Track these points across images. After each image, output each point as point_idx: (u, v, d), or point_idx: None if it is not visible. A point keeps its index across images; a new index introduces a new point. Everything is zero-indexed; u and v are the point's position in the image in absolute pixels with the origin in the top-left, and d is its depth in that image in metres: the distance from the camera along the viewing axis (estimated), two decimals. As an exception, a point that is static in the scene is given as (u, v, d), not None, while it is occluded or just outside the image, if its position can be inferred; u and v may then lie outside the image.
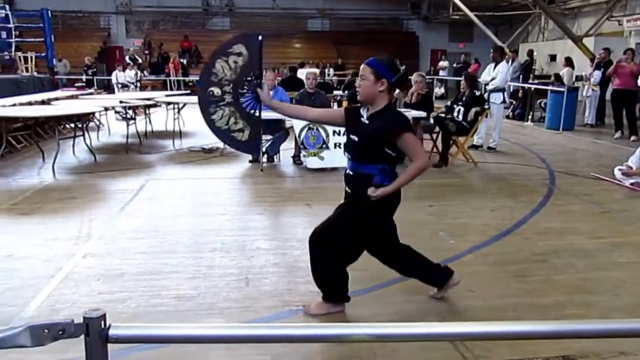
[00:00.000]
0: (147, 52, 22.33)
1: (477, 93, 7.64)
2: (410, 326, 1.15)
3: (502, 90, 8.84)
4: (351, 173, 2.90)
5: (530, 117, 12.61)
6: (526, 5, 20.50)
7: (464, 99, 7.46)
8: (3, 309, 3.00)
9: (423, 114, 7.27)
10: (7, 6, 11.98)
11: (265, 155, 7.27)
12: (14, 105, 7.97)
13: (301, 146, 6.89)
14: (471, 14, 19.10)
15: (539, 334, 1.24)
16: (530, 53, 16.21)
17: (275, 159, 7.49)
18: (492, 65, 8.97)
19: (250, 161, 7.29)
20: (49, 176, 6.33)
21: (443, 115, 7.47)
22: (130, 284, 3.37)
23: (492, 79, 8.76)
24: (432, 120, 7.43)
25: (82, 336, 1.02)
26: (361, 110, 2.85)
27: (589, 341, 2.57)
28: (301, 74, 13.46)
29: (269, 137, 7.25)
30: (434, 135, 7.73)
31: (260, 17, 25.53)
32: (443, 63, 21.50)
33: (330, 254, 2.92)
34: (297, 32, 26.21)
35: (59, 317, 2.94)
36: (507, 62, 9.43)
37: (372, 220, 2.89)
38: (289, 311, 3.06)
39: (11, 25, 10.86)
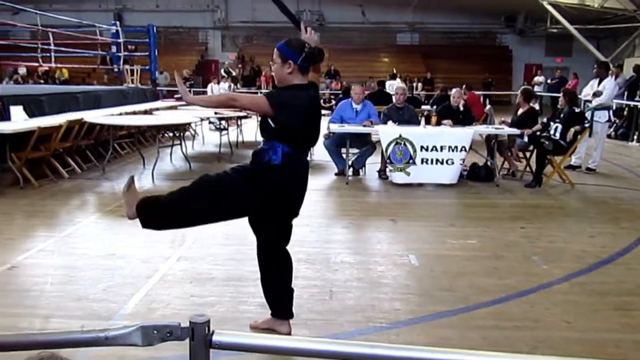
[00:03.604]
0: (240, 65, 23.27)
1: (577, 110, 7.25)
2: (509, 357, 1.09)
3: (608, 108, 8.30)
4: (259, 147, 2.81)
5: (635, 137, 11.75)
6: (634, 17, 19.20)
7: (561, 115, 7.10)
8: (106, 304, 3.22)
9: (517, 131, 7.01)
10: (117, 22, 12.96)
11: (352, 169, 7.30)
12: (120, 114, 8.59)
13: (387, 161, 6.85)
14: (571, 27, 18.20)
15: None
16: (637, 68, 15.09)
17: (361, 173, 7.51)
18: (596, 81, 8.46)
19: (336, 174, 7.35)
20: (148, 181, 6.74)
21: (538, 132, 7.14)
22: (219, 289, 3.50)
23: (594, 94, 8.26)
24: (526, 138, 7.12)
25: (187, 340, 1.07)
26: None
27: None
28: (390, 85, 13.45)
29: (356, 150, 7.29)
30: (527, 154, 7.41)
31: (349, 31, 25.82)
32: (538, 78, 20.58)
33: (197, 189, 2.77)
34: (386, 46, 26.24)
35: (154, 316, 3.12)
36: (611, 77, 8.86)
37: (252, 190, 2.70)
38: (372, 327, 3.04)
39: (121, 41, 11.73)
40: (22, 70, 17.21)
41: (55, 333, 1.23)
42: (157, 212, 2.80)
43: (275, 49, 2.74)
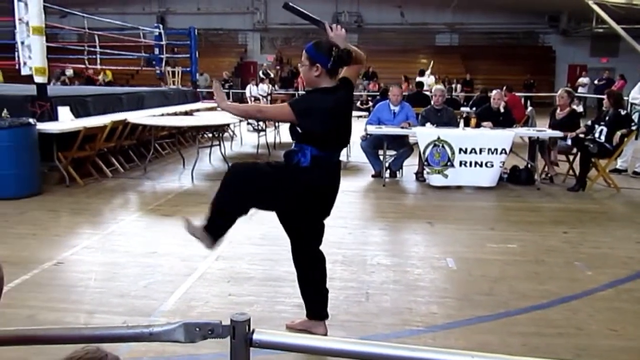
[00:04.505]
0: (278, 67, 23.46)
1: (623, 112, 7.00)
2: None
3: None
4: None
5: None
6: (685, 16, 18.42)
7: (606, 118, 6.88)
8: (147, 301, 3.31)
9: (560, 133, 6.83)
10: (160, 25, 13.26)
11: (388, 171, 7.26)
12: (162, 115, 8.79)
13: (425, 163, 6.78)
14: (617, 27, 17.56)
15: None
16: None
17: (398, 175, 7.45)
18: (644, 82, 8.17)
19: (372, 176, 7.33)
20: (187, 181, 6.87)
21: (582, 135, 6.94)
22: (257, 289, 3.54)
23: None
24: (569, 141, 6.93)
25: (228, 338, 1.09)
26: None
27: None
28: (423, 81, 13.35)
29: (393, 152, 7.24)
30: (571, 157, 7.21)
31: (387, 32, 25.68)
32: (583, 79, 20.01)
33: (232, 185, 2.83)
34: (425, 47, 25.96)
35: (193, 314, 3.17)
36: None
37: (281, 191, 2.76)
38: (409, 330, 3.02)
39: (163, 43, 11.99)
40: (69, 72, 17.77)
41: (101, 328, 1.28)
42: (213, 216, 2.89)
43: (304, 51, 2.75)
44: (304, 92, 2.81)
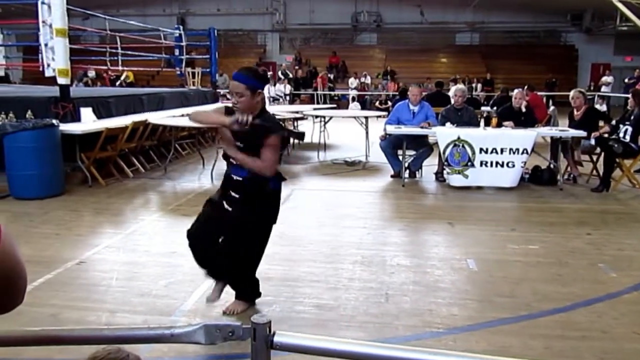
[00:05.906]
0: (297, 67, 23.49)
1: (648, 111, 6.84)
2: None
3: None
4: (240, 179, 2.94)
5: None
6: None
7: (631, 117, 6.74)
8: (167, 301, 3.33)
9: (583, 133, 6.72)
10: (180, 26, 13.36)
11: (408, 171, 7.21)
12: (182, 115, 8.85)
13: (445, 163, 6.72)
14: (643, 24, 17.21)
15: None
16: None
17: (417, 175, 7.40)
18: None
19: (392, 176, 7.29)
20: (207, 181, 6.92)
21: (606, 135, 6.81)
22: (276, 289, 3.53)
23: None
24: (592, 141, 6.81)
25: (249, 340, 1.08)
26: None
27: None
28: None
29: (412, 152, 7.19)
30: (594, 157, 7.09)
31: (407, 32, 25.55)
32: (607, 78, 19.66)
33: (229, 259, 3.11)
34: (445, 46, 25.77)
35: (213, 313, 3.19)
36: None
37: (261, 218, 3.04)
38: (429, 332, 2.99)
39: (183, 44, 12.09)
40: (92, 74, 18.01)
41: (123, 329, 1.29)
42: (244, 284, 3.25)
43: (239, 83, 2.82)
44: (259, 120, 2.81)
